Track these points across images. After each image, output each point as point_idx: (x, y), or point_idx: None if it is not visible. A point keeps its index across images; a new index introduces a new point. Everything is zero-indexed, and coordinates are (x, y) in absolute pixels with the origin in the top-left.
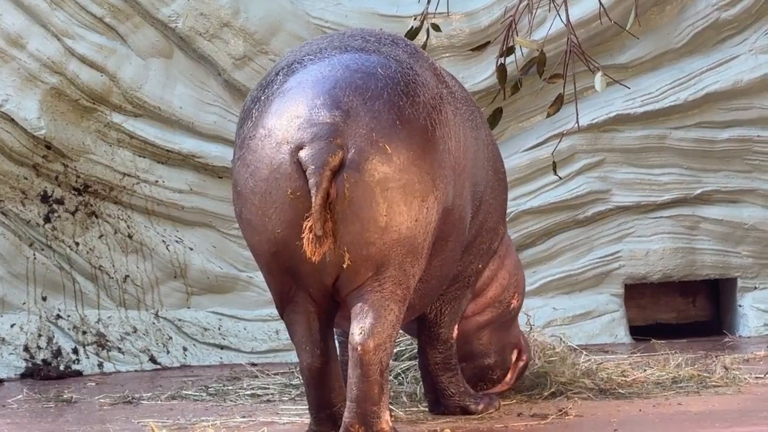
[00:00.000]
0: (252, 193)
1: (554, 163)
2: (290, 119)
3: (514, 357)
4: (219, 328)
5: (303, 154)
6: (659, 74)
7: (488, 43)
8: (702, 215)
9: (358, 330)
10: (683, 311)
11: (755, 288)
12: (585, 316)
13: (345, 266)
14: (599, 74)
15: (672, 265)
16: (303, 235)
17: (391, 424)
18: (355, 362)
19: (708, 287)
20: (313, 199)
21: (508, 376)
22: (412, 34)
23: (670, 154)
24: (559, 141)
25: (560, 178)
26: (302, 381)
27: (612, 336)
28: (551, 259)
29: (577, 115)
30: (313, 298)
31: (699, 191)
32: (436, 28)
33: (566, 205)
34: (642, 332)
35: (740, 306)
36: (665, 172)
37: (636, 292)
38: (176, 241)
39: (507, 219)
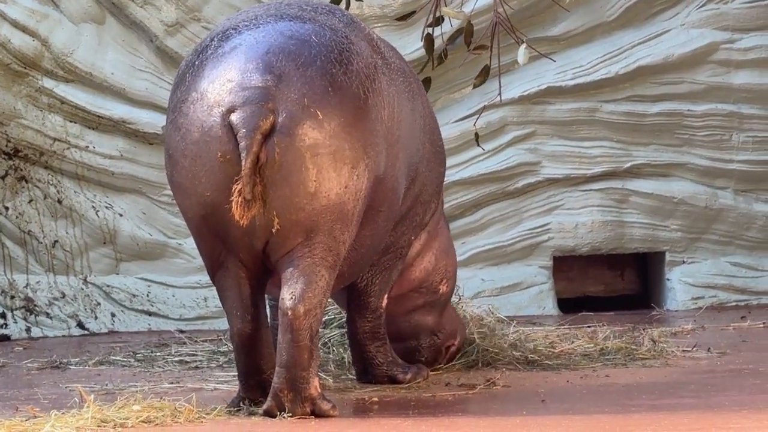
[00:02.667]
0: (183, 156)
1: (476, 134)
2: (222, 83)
3: (446, 340)
4: (147, 295)
5: (234, 117)
6: (591, 47)
7: (413, 12)
8: (631, 189)
9: (288, 295)
10: (611, 284)
11: (683, 262)
12: (513, 288)
13: (274, 231)
14: (523, 47)
15: (601, 238)
16: (232, 198)
17: (319, 390)
18: (285, 327)
19: (636, 261)
20: (243, 163)
21: (439, 358)
22: (335, 2)
23: (601, 127)
24: (479, 115)
25: (484, 150)
26: (232, 347)
27: (540, 308)
28: (480, 230)
29: (500, 87)
30: (243, 264)
31: (629, 165)
32: None
33: (496, 177)
34: (570, 305)
35: (668, 280)
36: (595, 145)
37: (564, 264)
38: (106, 207)
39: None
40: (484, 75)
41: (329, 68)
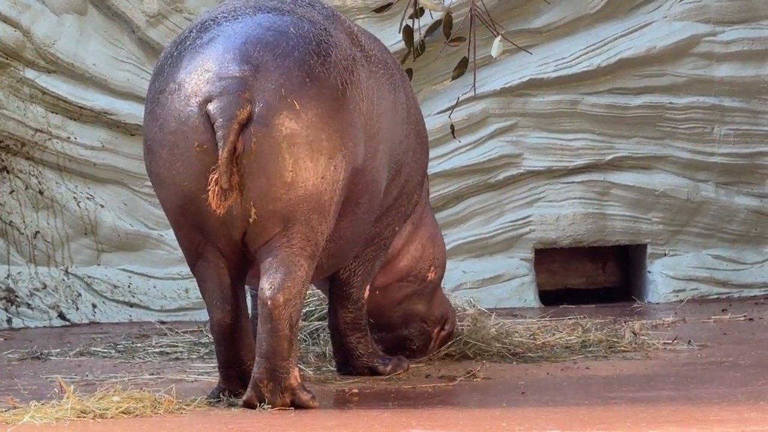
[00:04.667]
0: (160, 146)
1: (452, 126)
2: (200, 73)
3: (435, 326)
4: (129, 286)
5: (211, 107)
6: (573, 39)
7: (390, 4)
8: (613, 181)
9: (267, 285)
10: (592, 277)
11: (665, 254)
12: (495, 280)
13: (251, 221)
14: (497, 39)
15: (582, 231)
16: (209, 187)
17: (299, 380)
18: (265, 317)
19: (618, 253)
20: (220, 152)
21: (431, 344)
22: None
23: (583, 120)
24: (452, 109)
25: (460, 141)
26: (212, 338)
27: (521, 300)
28: (462, 222)
29: (475, 80)
30: (222, 254)
31: (610, 157)
32: None
33: (478, 169)
34: (551, 297)
35: (649, 272)
36: (577, 138)
37: (546, 257)
38: (87, 198)
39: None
40: (462, 67)
41: (307, 59)
